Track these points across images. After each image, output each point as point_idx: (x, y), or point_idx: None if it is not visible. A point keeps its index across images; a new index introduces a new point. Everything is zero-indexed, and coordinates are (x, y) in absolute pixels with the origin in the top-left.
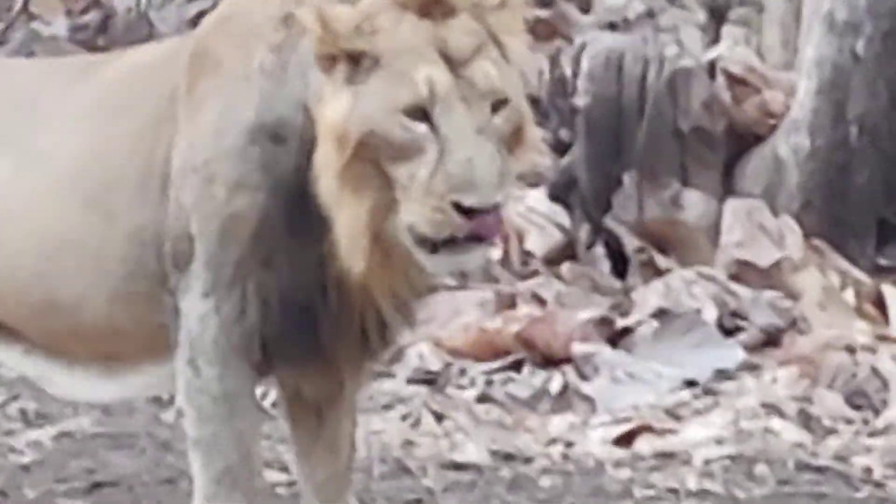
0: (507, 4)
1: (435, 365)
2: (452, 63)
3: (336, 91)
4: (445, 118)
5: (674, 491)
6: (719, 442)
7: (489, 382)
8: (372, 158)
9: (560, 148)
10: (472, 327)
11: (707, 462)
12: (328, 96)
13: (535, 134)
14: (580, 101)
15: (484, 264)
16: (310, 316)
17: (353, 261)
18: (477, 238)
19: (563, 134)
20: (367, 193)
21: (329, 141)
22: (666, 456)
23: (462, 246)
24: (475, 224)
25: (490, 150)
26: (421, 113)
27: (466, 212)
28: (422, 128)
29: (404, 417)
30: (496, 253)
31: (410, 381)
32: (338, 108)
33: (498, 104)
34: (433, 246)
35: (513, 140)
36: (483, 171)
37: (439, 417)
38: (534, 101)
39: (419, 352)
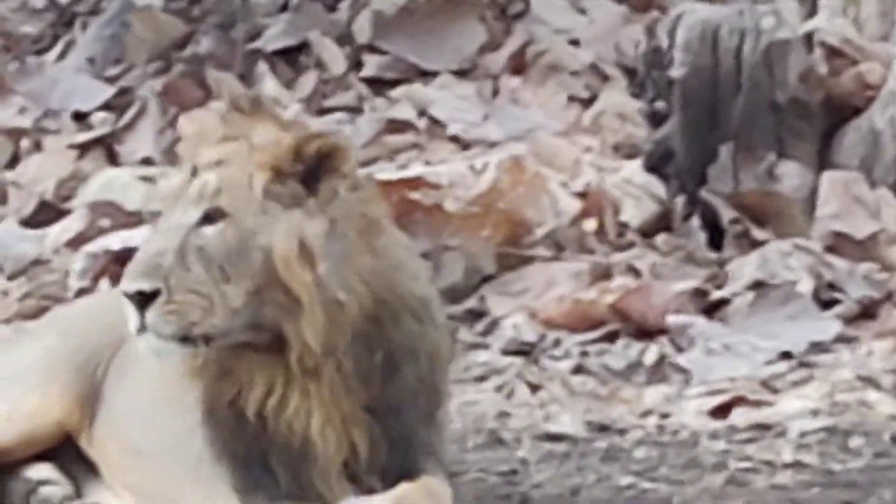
0: (303, 144)
1: (529, 336)
2: (195, 173)
3: None
4: (161, 220)
5: (769, 463)
6: (815, 414)
7: (584, 353)
8: None
9: (656, 119)
10: (566, 298)
11: (802, 434)
12: None
13: (303, 271)
14: (676, 72)
15: (167, 356)
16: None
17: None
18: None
19: (659, 105)
20: None
21: None
22: (761, 428)
23: (140, 332)
24: None
25: (160, 243)
26: (158, 216)
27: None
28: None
29: (499, 388)
30: (591, 225)
31: (505, 352)
32: None
33: (212, 215)
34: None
35: (271, 276)
36: (140, 260)
37: (534, 388)
38: (630, 73)
39: (514, 323)
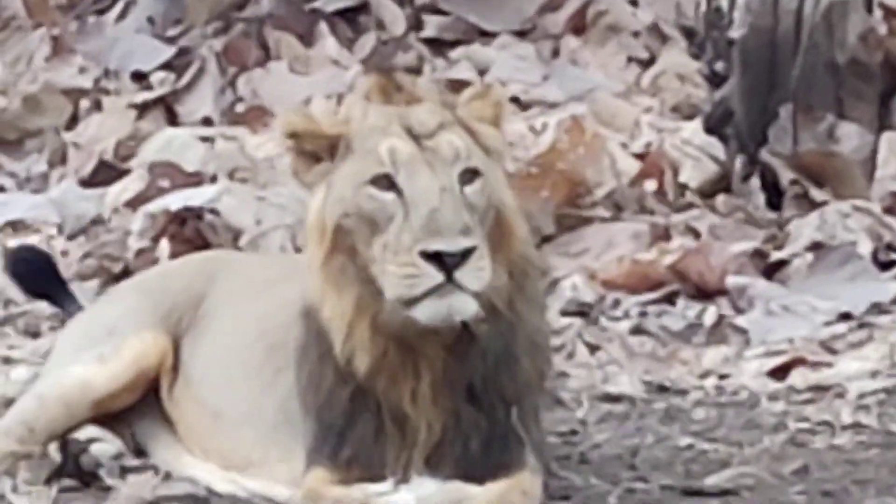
0: (481, 96)
1: (588, 297)
2: (416, 137)
3: (315, 192)
4: (409, 182)
5: (828, 424)
6: (874, 375)
7: (643, 314)
8: (350, 248)
9: (715, 80)
10: (625, 259)
11: (861, 395)
12: (309, 202)
13: (522, 227)
14: (736, 32)
15: (472, 314)
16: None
17: (357, 358)
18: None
19: (719, 66)
20: (348, 288)
21: (311, 240)
22: (820, 389)
23: (442, 290)
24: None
25: (454, 204)
26: (387, 182)
27: (436, 260)
28: (388, 196)
29: (558, 349)
30: (650, 185)
31: (564, 312)
32: (315, 204)
33: (468, 175)
34: (416, 300)
35: (496, 233)
36: (447, 219)
37: (593, 349)
38: (689, 34)
39: (573, 283)
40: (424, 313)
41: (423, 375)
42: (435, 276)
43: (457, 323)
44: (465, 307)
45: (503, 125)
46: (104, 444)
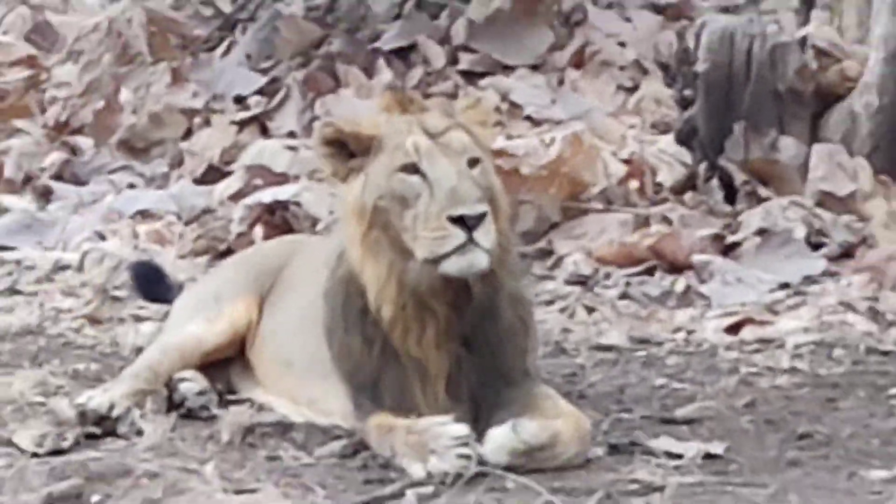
0: (472, 106)
1: (586, 270)
2: (432, 135)
3: (351, 182)
4: (431, 168)
5: (771, 369)
6: (806, 331)
7: (628, 284)
8: (384, 224)
9: (684, 103)
10: (615, 241)
11: (797, 347)
12: (344, 192)
13: (507, 206)
14: (700, 67)
15: (485, 267)
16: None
17: (384, 308)
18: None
19: (687, 93)
20: (382, 256)
21: (351, 219)
22: (765, 342)
23: (465, 248)
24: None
25: (469, 182)
26: (413, 168)
27: (460, 222)
28: (415, 179)
29: (562, 310)
30: (634, 184)
31: (567, 282)
32: (355, 190)
33: (473, 162)
34: (444, 257)
35: (491, 209)
36: (466, 190)
37: (589, 310)
38: (665, 68)
39: (574, 260)
40: (452, 267)
41: (428, 326)
42: (460, 235)
43: (475, 274)
44: (481, 261)
45: (491, 128)
46: (191, 383)
